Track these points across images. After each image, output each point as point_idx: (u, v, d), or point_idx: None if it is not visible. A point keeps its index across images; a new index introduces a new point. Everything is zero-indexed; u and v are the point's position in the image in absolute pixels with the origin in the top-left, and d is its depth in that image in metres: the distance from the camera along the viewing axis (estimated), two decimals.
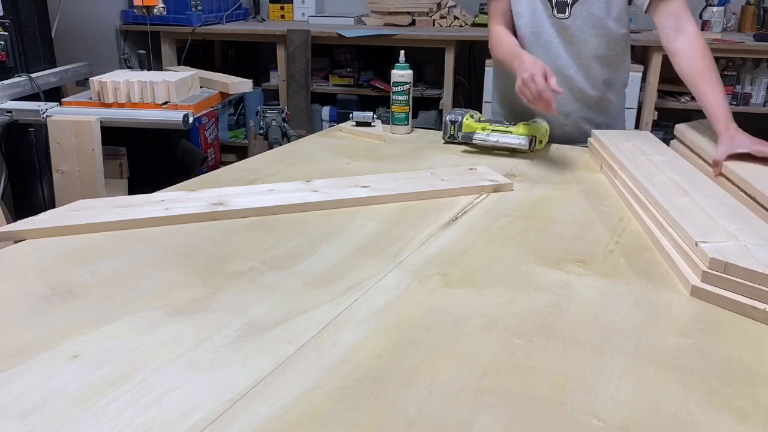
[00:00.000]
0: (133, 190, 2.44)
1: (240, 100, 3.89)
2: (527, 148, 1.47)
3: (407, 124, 1.70)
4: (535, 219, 1.12)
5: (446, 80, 3.37)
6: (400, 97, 1.67)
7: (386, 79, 3.68)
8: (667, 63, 3.12)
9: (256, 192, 1.18)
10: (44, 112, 2.08)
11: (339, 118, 3.64)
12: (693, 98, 3.50)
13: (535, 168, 1.42)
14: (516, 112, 1.66)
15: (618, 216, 1.14)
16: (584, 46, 1.57)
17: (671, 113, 3.39)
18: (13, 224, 1.04)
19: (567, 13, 1.54)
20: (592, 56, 1.57)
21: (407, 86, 1.66)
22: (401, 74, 1.65)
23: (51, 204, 2.22)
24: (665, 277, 0.91)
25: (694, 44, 1.39)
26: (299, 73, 3.48)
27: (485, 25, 3.56)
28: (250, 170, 1.38)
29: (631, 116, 3.15)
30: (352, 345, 0.73)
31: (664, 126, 3.40)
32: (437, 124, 3.49)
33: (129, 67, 3.10)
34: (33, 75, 2.36)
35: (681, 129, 1.52)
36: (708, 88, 1.35)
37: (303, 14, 3.83)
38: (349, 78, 3.74)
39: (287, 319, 0.78)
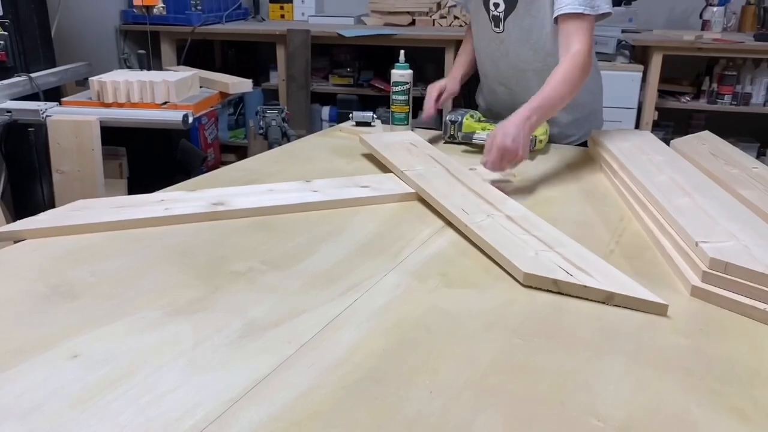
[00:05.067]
0: (132, 190, 2.44)
1: (240, 100, 3.88)
2: None
3: (407, 124, 1.70)
4: None
5: None
6: (400, 97, 1.66)
7: (386, 79, 3.66)
8: (666, 63, 3.14)
9: (256, 192, 1.18)
10: (44, 112, 2.08)
11: (339, 118, 3.63)
12: (693, 98, 3.50)
13: (535, 168, 1.42)
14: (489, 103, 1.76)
15: (618, 216, 1.14)
16: (519, 59, 1.58)
17: (671, 113, 3.39)
18: (12, 224, 1.04)
19: (501, 28, 1.57)
20: (529, 69, 1.57)
21: (407, 86, 1.66)
22: (401, 74, 1.65)
23: (51, 204, 2.22)
24: (665, 277, 0.91)
25: (566, 63, 1.39)
26: (299, 73, 3.48)
27: None
28: (250, 170, 1.38)
29: (631, 116, 3.15)
30: (352, 345, 0.73)
31: (664, 126, 3.40)
32: (437, 124, 3.49)
33: (129, 67, 3.10)
34: (33, 75, 2.36)
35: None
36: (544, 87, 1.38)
37: (303, 14, 3.82)
38: (349, 78, 3.73)
39: (287, 319, 0.78)
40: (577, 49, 1.39)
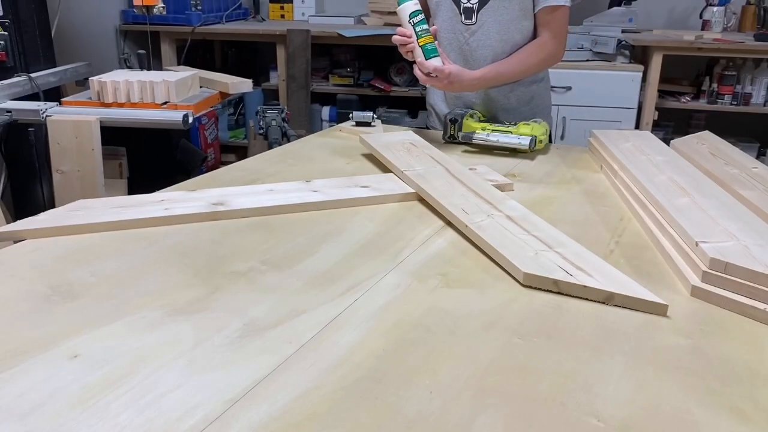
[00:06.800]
0: (132, 190, 2.44)
1: (240, 100, 3.89)
2: (527, 148, 1.47)
3: (438, 55, 1.49)
4: None
5: None
6: (423, 26, 1.47)
7: (386, 79, 3.68)
8: (666, 63, 3.14)
9: (256, 192, 1.18)
10: (44, 112, 2.08)
11: (339, 118, 3.63)
12: (693, 98, 3.50)
13: (535, 168, 1.42)
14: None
15: (618, 216, 1.14)
16: (490, 51, 1.60)
17: (671, 113, 3.40)
18: (12, 224, 1.04)
19: (474, 20, 1.59)
20: (499, 60, 1.60)
21: (422, 14, 1.48)
22: (414, 3, 1.47)
23: (51, 204, 2.22)
24: (665, 277, 0.91)
25: (534, 46, 1.60)
26: (299, 73, 3.48)
27: None
28: (250, 170, 1.38)
29: (631, 116, 3.15)
30: (352, 345, 0.73)
31: (664, 126, 3.40)
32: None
33: (129, 67, 3.10)
34: (33, 75, 2.36)
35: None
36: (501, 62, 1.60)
37: (303, 14, 3.82)
38: (349, 78, 3.74)
39: (287, 319, 0.78)
40: (548, 38, 1.57)
